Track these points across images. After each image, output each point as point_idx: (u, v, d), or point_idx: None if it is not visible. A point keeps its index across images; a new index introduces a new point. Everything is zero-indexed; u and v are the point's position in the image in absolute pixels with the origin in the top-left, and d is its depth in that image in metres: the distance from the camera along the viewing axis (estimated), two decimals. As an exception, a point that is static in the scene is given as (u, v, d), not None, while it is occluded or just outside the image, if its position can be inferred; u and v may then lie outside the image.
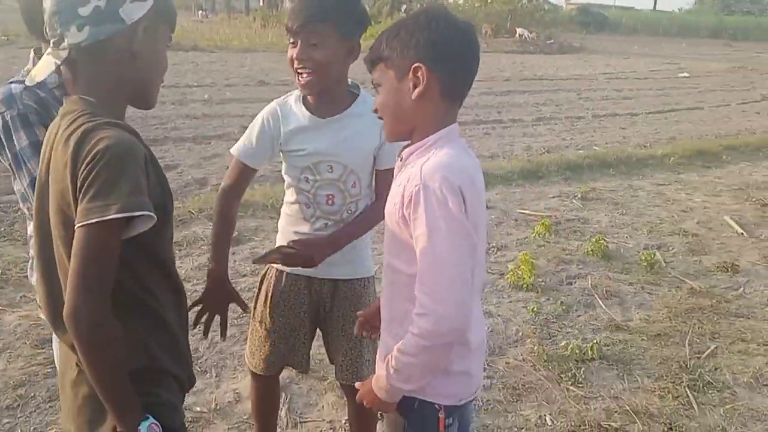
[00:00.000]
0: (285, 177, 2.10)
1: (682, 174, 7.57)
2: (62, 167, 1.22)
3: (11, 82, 1.75)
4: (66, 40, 1.25)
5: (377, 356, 1.64)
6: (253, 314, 2.25)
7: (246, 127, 2.12)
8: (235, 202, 2.11)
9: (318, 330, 2.26)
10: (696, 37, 50.99)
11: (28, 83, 1.35)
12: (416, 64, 1.41)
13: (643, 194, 6.61)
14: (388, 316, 1.60)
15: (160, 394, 1.36)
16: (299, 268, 2.06)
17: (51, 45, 1.28)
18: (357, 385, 1.64)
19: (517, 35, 31.11)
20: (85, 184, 1.17)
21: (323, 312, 2.16)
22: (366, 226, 2.08)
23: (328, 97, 1.97)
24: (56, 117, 1.34)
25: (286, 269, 2.13)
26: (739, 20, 56.56)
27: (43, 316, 1.94)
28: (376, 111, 1.54)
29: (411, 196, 1.38)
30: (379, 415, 2.29)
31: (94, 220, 1.15)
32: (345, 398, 2.54)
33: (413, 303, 1.39)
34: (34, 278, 1.87)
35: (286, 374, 3.07)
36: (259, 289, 2.22)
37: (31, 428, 2.64)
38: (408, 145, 1.52)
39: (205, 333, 2.17)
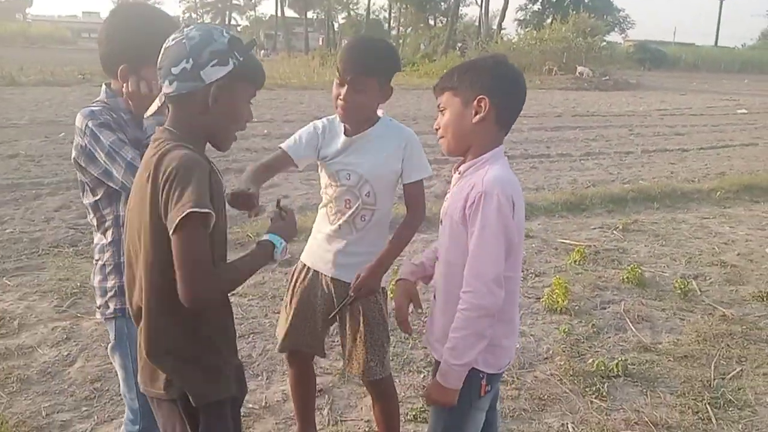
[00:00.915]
0: (321, 184, 2.51)
1: (729, 208, 7.61)
2: (145, 179, 1.60)
3: (88, 107, 2.08)
4: (162, 89, 1.64)
5: (434, 338, 2.03)
6: (284, 301, 2.64)
7: None
8: (266, 170, 2.35)
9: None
10: (760, 73, 49.94)
11: (145, 114, 1.74)
12: (481, 96, 1.85)
13: (686, 227, 6.72)
14: (443, 300, 1.99)
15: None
16: (319, 264, 2.49)
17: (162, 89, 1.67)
18: (426, 387, 2.03)
19: (577, 72, 31.23)
20: (169, 197, 1.52)
21: (335, 309, 2.48)
22: (402, 245, 2.46)
23: (354, 122, 2.37)
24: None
25: (309, 264, 2.52)
26: (805, 56, 55.13)
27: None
28: (437, 129, 1.97)
29: (474, 199, 1.80)
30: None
31: (178, 220, 1.49)
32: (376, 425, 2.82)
33: None
34: (96, 280, 2.19)
35: (329, 379, 3.40)
36: (289, 281, 2.62)
37: (105, 415, 3.01)
38: (462, 162, 1.95)
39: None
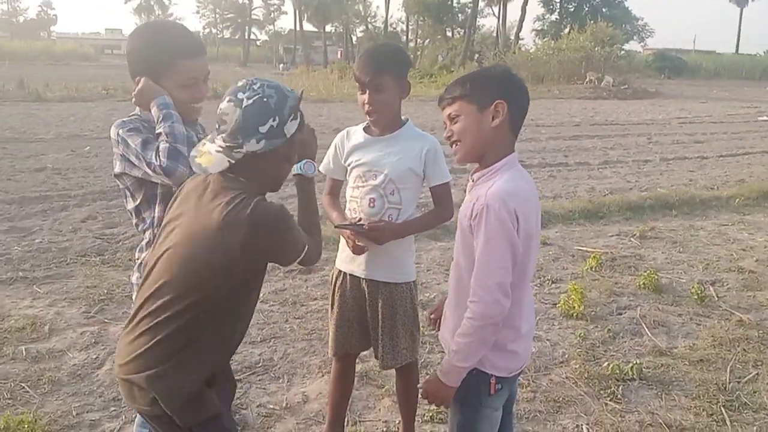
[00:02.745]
0: (347, 188, 2.65)
1: (748, 215, 7.58)
2: (225, 226, 1.66)
3: (121, 119, 2.23)
4: (245, 148, 1.69)
5: (446, 333, 2.12)
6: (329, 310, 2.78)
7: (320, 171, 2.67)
8: (334, 198, 2.74)
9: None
10: (782, 79, 49.36)
11: (199, 171, 1.79)
12: (499, 101, 1.91)
13: (704, 234, 6.71)
14: (454, 301, 2.08)
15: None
16: (353, 268, 2.59)
17: (225, 147, 1.71)
18: (421, 383, 2.09)
19: (603, 83, 31.10)
20: (275, 242, 1.71)
21: (367, 308, 2.61)
22: (426, 225, 2.70)
23: (384, 122, 2.54)
24: (201, 180, 1.82)
25: (345, 270, 2.64)
26: (829, 62, 54.40)
27: None
28: (449, 138, 2.02)
29: (477, 212, 1.86)
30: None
31: (300, 257, 1.79)
32: (398, 403, 3.00)
33: None
34: (134, 277, 2.33)
35: (348, 381, 3.47)
36: (330, 290, 2.74)
37: (133, 415, 3.10)
38: (478, 169, 2.01)
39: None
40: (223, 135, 1.71)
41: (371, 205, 2.52)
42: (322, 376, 3.53)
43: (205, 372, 1.80)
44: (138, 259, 2.31)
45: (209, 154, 1.75)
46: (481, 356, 1.92)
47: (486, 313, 1.84)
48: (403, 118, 2.60)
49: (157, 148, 2.04)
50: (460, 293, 2.00)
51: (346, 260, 2.63)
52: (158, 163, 2.02)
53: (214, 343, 1.79)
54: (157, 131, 2.09)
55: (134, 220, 2.31)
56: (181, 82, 2.16)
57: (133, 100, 2.20)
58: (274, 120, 1.68)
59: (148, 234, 2.25)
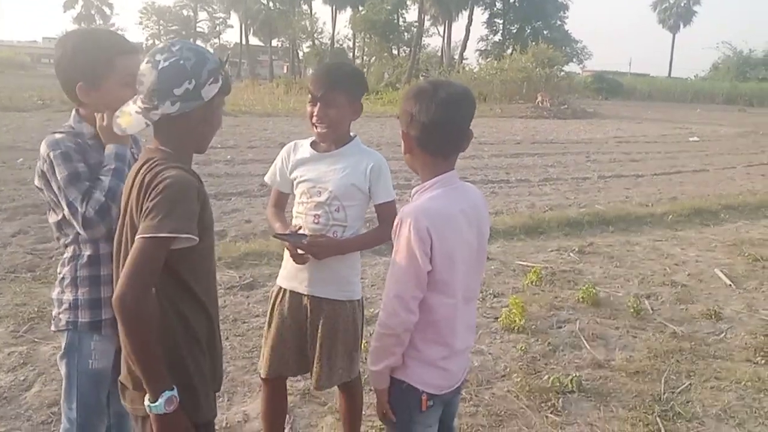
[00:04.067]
0: (294, 203, 2.61)
1: (680, 231, 7.86)
2: (136, 196, 1.66)
3: (54, 132, 2.15)
4: (160, 110, 1.67)
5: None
6: (265, 328, 2.69)
7: (264, 186, 2.63)
8: (279, 210, 2.71)
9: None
10: (711, 103, 51.70)
11: (118, 132, 1.78)
12: (402, 130, 1.98)
13: (639, 249, 6.93)
14: None
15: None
16: (295, 285, 2.54)
17: (143, 108, 1.70)
18: None
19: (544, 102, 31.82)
20: (149, 207, 1.59)
21: (307, 326, 2.55)
22: (368, 243, 2.61)
23: (329, 138, 2.51)
24: (138, 160, 1.78)
25: (286, 287, 2.57)
26: (754, 87, 57.13)
27: None
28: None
29: (395, 227, 1.92)
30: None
31: (149, 235, 1.56)
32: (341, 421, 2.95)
33: None
34: (55, 292, 2.23)
35: (290, 399, 3.40)
36: (269, 306, 2.67)
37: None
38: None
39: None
40: (141, 96, 1.71)
41: (315, 221, 2.49)
42: (264, 393, 3.46)
43: (199, 369, 1.77)
44: (60, 273, 2.20)
45: (129, 115, 1.75)
46: (387, 364, 1.95)
47: (386, 322, 1.90)
48: (351, 134, 2.58)
49: (91, 194, 1.99)
50: None
51: (288, 277, 2.59)
52: (82, 211, 1.98)
53: (190, 331, 1.75)
54: (100, 175, 2.04)
55: (56, 234, 2.22)
56: (122, 79, 2.07)
57: (97, 130, 2.13)
58: (190, 83, 1.67)
59: (70, 249, 2.16)
